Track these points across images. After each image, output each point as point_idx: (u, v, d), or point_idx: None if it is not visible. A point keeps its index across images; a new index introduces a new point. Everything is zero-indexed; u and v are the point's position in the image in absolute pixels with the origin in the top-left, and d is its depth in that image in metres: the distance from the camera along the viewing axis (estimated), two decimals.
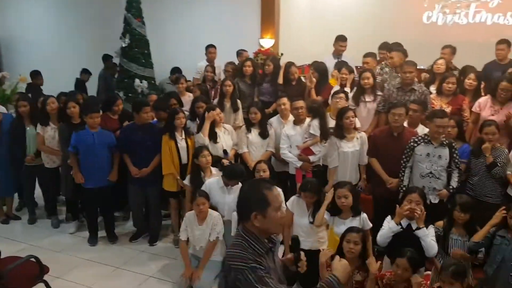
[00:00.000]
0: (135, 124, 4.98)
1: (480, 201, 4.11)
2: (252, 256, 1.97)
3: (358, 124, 4.79)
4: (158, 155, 4.89)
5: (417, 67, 5.26)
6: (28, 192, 5.67)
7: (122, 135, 5.05)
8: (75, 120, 5.17)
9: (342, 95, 4.98)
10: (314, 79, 5.60)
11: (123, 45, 6.89)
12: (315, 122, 4.63)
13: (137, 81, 6.75)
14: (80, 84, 8.65)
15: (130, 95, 6.71)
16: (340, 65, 5.78)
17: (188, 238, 4.22)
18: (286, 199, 3.91)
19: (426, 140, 4.13)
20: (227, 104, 5.57)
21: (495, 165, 4.11)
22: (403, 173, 4.23)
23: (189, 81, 6.93)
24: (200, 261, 4.19)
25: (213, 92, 6.28)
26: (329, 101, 5.26)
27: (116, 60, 7.67)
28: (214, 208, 4.25)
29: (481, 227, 3.48)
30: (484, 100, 4.84)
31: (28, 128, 5.36)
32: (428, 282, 3.46)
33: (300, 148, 4.68)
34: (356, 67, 6.04)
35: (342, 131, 4.52)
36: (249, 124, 5.07)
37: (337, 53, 6.38)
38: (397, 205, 3.59)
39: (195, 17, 8.86)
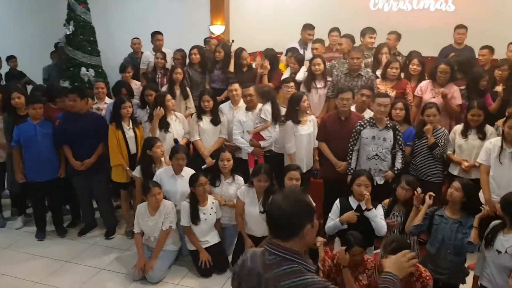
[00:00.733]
0: (73, 113, 4.72)
1: (423, 180, 4.29)
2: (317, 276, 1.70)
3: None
4: (102, 144, 4.74)
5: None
6: None
7: (59, 126, 4.78)
8: (21, 112, 4.91)
9: (292, 84, 5.01)
10: (268, 65, 5.61)
11: (68, 33, 6.63)
12: (267, 107, 4.66)
13: (83, 69, 6.52)
14: (15, 73, 7.88)
15: (76, 84, 6.48)
16: (292, 52, 5.83)
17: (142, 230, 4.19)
18: None
19: (371, 123, 4.26)
20: (177, 92, 5.49)
21: (436, 146, 4.32)
22: (350, 156, 4.35)
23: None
24: (153, 251, 4.17)
25: (165, 80, 6.13)
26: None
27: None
28: (165, 197, 4.23)
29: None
30: (425, 83, 5.02)
31: None
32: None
33: (251, 133, 4.70)
34: None
35: (297, 116, 4.56)
36: (200, 112, 5.02)
37: (305, 42, 6.30)
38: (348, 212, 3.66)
39: (142, 3, 8.62)
